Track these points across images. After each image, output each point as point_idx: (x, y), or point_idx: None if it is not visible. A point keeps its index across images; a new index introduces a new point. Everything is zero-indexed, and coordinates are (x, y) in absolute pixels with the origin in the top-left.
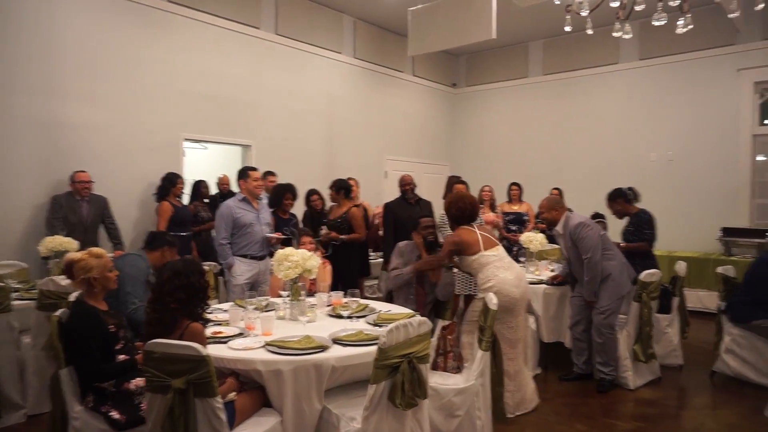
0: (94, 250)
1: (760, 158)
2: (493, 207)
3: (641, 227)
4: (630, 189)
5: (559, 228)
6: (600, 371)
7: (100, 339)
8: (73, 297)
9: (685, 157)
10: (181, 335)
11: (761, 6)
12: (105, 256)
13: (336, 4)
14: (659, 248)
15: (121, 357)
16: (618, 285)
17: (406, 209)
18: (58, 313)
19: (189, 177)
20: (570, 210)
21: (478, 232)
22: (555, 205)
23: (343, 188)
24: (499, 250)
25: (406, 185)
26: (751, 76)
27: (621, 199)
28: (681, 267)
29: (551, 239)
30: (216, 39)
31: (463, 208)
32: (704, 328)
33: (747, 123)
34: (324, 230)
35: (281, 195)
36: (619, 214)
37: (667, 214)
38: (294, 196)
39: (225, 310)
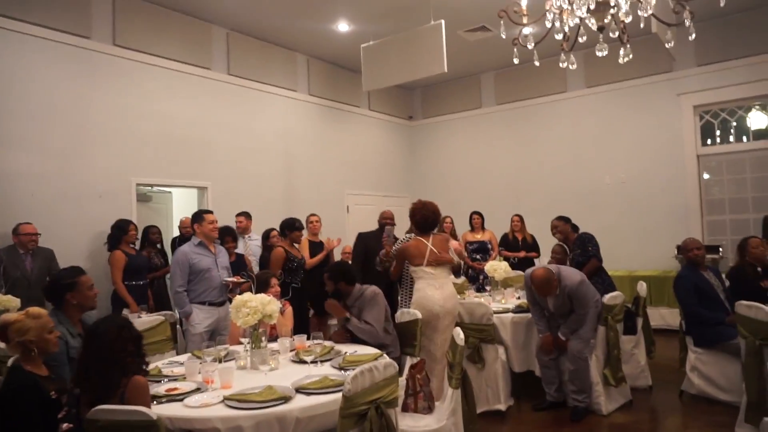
0: (32, 310)
1: (706, 177)
2: (455, 237)
3: (585, 245)
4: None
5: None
6: (574, 399)
7: (40, 409)
8: (10, 362)
9: (637, 179)
10: (123, 392)
11: (693, 36)
12: (44, 316)
13: (288, 42)
14: (619, 269)
15: (65, 426)
16: (596, 314)
17: (379, 243)
18: None
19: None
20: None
21: (429, 246)
22: (550, 281)
23: (285, 227)
24: (437, 270)
25: (386, 219)
26: (691, 100)
27: (569, 224)
28: (642, 287)
29: (514, 266)
30: (166, 81)
31: (425, 216)
32: (669, 346)
33: (690, 144)
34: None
35: (221, 239)
36: (561, 235)
37: (624, 234)
38: (234, 239)
39: (181, 363)
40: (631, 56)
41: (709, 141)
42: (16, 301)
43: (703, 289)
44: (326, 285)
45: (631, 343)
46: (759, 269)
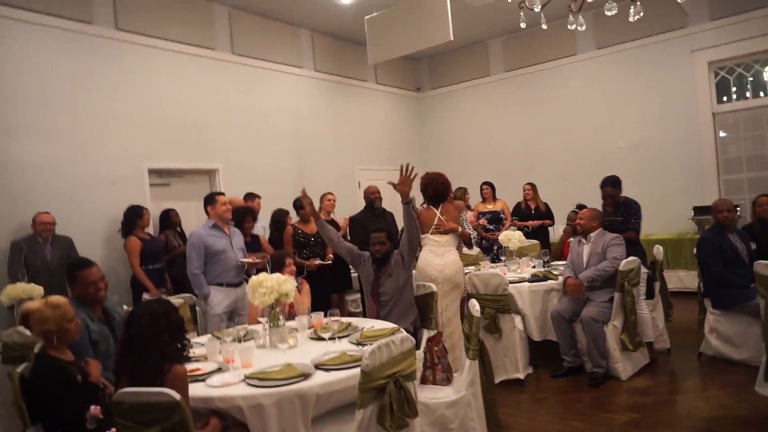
0: (52, 299)
1: (722, 135)
2: (468, 208)
3: (629, 215)
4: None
5: (592, 235)
6: (592, 366)
7: (67, 393)
8: (37, 349)
9: (650, 141)
10: (163, 381)
11: None
12: (63, 305)
13: (291, 18)
14: None
15: (93, 409)
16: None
17: (373, 221)
18: (20, 369)
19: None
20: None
21: (437, 215)
22: (597, 217)
23: (299, 207)
24: (443, 239)
25: (374, 193)
26: (705, 57)
27: (619, 186)
28: (658, 251)
29: (528, 235)
30: (171, 64)
31: (436, 189)
32: (688, 308)
33: (705, 102)
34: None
35: (242, 218)
36: (612, 200)
37: (639, 198)
38: (254, 219)
39: (202, 344)
40: (642, 14)
41: (725, 98)
42: (39, 289)
43: (727, 252)
44: (383, 244)
45: (649, 307)
46: None
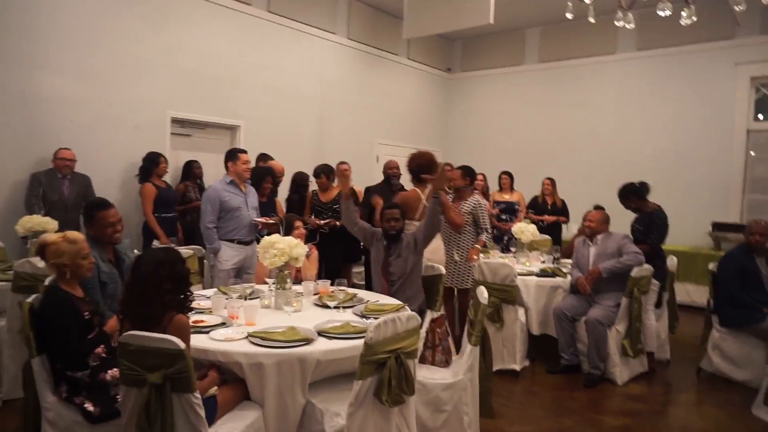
0: (70, 234)
1: (753, 154)
2: (486, 196)
3: (650, 230)
4: (641, 183)
5: (599, 237)
6: (589, 366)
7: (75, 326)
8: (48, 281)
9: (678, 150)
10: (165, 328)
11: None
12: (80, 241)
13: None
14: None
15: (99, 349)
16: (622, 286)
17: (389, 197)
18: (31, 299)
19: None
20: None
21: (423, 202)
22: (606, 221)
23: (323, 172)
24: None
25: (393, 168)
26: (748, 71)
27: (633, 197)
28: (672, 262)
29: (541, 230)
30: (205, 15)
31: (420, 164)
32: (692, 323)
33: (742, 118)
34: (312, 218)
35: (261, 178)
36: (634, 210)
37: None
38: (274, 180)
39: (207, 297)
40: (695, 18)
41: (760, 116)
42: (53, 224)
43: (749, 274)
44: (397, 221)
45: (655, 316)
46: None
